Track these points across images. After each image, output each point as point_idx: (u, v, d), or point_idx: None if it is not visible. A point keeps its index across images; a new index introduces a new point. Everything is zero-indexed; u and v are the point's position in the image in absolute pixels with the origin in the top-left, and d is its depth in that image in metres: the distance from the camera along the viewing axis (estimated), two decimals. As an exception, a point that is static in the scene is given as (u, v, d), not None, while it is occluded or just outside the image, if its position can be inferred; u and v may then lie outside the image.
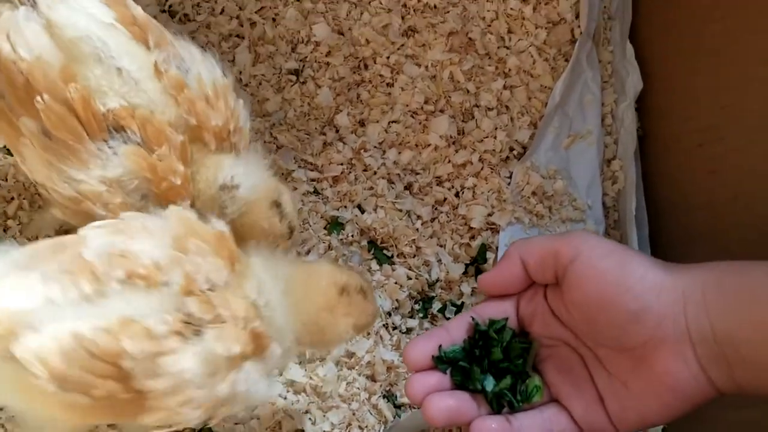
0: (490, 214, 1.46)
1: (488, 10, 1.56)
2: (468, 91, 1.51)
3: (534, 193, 1.48)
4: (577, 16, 1.61)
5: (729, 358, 0.88)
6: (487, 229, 1.45)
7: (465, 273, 1.42)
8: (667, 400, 0.93)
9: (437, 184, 1.47)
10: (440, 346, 1.03)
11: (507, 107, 1.53)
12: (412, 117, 1.49)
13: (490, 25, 1.56)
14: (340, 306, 1.01)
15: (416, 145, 1.48)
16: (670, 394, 0.93)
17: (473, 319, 1.05)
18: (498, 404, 1.02)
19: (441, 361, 1.03)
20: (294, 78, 1.45)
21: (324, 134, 1.45)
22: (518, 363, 1.04)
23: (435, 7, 1.54)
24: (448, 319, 1.38)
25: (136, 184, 0.95)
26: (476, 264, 1.43)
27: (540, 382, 1.04)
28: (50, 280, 0.82)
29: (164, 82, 0.97)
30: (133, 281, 0.84)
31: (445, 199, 1.46)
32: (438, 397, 1.00)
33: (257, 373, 0.92)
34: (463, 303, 1.40)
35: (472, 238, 1.44)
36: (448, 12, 1.54)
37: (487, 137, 1.50)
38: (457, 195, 1.47)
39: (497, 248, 1.44)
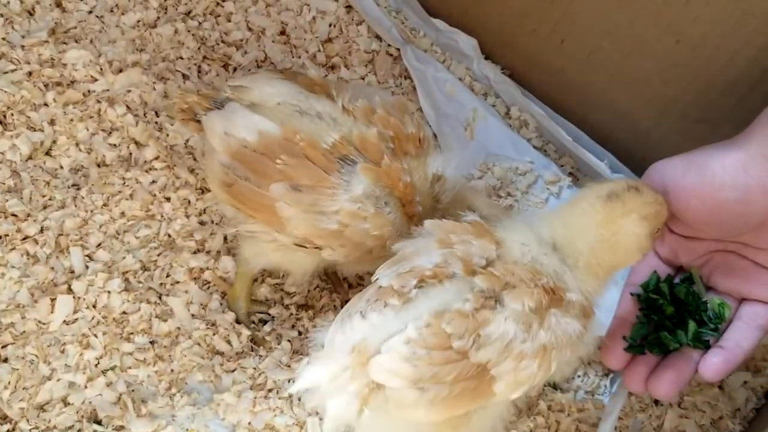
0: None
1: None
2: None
3: (489, 196, 1.50)
4: (380, 39, 1.62)
5: None
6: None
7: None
8: None
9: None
10: (624, 336, 1.12)
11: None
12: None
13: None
14: (615, 211, 1.01)
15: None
16: None
17: (632, 294, 1.15)
18: (703, 343, 1.10)
19: (633, 348, 1.12)
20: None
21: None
22: (690, 301, 1.12)
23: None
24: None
25: (377, 193, 1.10)
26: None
27: (720, 298, 1.13)
28: (367, 312, 0.96)
29: (355, 113, 1.14)
30: (426, 283, 0.97)
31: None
32: (655, 380, 1.09)
33: (567, 316, 0.98)
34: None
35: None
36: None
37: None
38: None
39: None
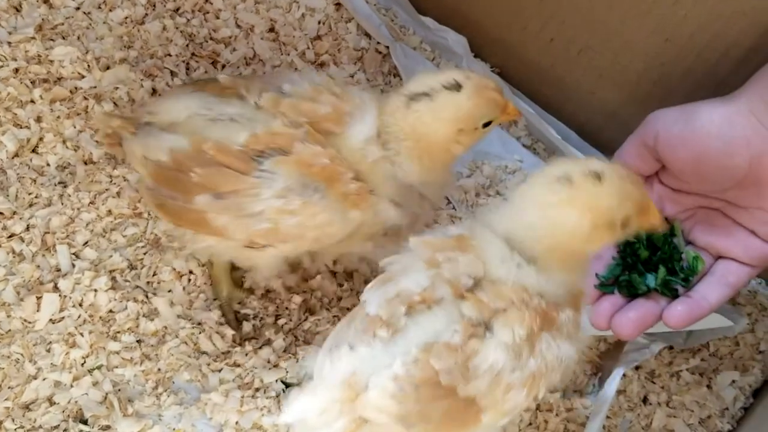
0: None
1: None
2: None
3: (478, 194, 1.50)
4: (370, 36, 1.61)
5: None
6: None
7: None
8: None
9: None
10: (596, 274, 1.14)
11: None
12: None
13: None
14: (561, 197, 0.90)
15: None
16: None
17: None
18: (671, 291, 1.13)
19: (603, 285, 1.15)
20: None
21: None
22: (666, 249, 1.15)
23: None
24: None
25: (301, 181, 1.07)
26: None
27: (696, 252, 1.15)
28: (355, 344, 0.92)
29: (264, 107, 1.11)
30: (415, 309, 0.92)
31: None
32: (619, 317, 1.12)
33: (558, 339, 0.94)
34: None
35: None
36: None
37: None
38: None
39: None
